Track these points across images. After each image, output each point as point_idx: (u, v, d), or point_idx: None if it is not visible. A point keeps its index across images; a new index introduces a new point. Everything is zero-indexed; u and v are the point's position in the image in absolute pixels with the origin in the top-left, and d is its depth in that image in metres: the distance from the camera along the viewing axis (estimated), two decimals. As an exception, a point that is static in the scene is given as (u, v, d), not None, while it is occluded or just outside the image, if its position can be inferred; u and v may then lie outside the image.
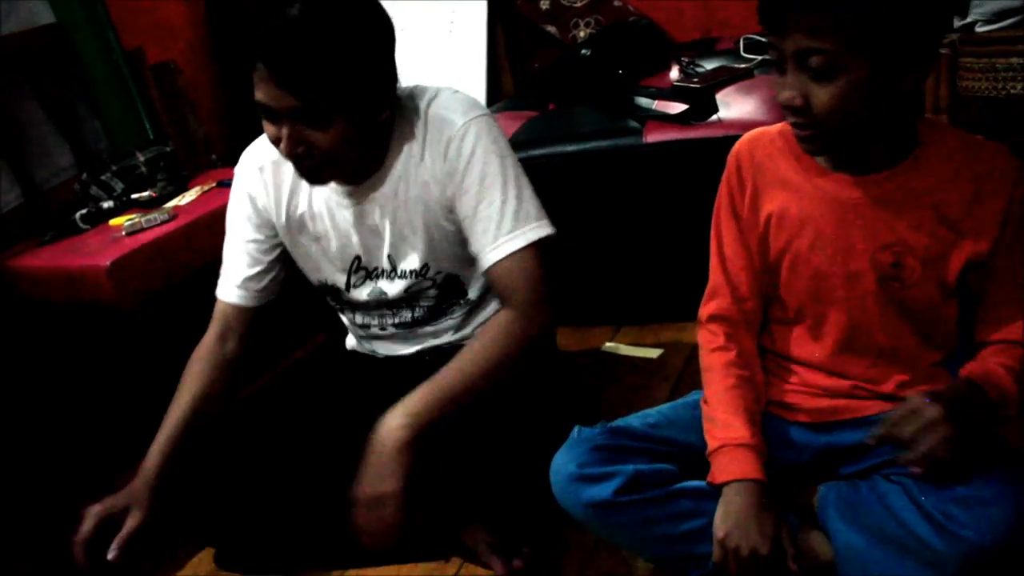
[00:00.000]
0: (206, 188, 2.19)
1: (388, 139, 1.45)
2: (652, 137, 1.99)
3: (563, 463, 1.28)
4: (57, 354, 1.84)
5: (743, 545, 1.17)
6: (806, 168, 1.23)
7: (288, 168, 1.51)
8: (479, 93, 2.69)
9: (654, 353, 2.08)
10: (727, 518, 1.19)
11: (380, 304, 1.61)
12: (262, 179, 1.55)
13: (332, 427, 1.62)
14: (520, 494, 1.52)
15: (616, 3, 2.50)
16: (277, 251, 1.60)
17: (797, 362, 1.32)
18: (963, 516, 1.08)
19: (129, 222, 1.97)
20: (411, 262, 1.54)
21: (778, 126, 1.27)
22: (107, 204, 2.18)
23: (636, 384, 1.98)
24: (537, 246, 1.41)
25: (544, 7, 2.56)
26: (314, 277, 1.63)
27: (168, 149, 2.32)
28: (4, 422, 1.72)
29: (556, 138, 2.10)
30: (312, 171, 1.41)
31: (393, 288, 1.58)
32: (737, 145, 1.31)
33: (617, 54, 2.26)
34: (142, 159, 2.28)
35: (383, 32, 1.38)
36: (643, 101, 2.09)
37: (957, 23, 2.05)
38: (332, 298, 1.66)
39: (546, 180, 2.05)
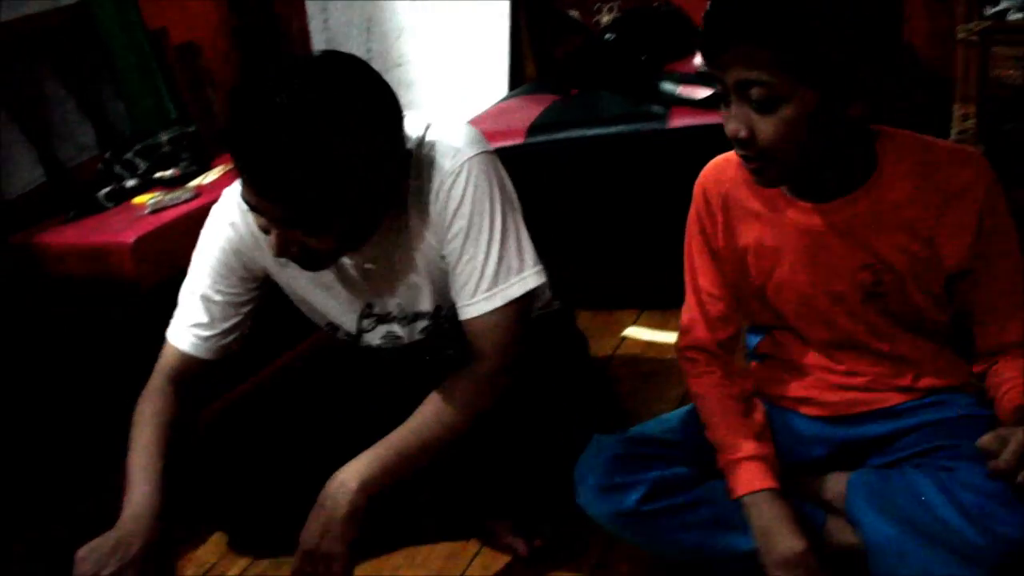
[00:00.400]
0: (229, 167, 2.18)
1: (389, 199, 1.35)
2: (676, 122, 1.98)
3: (585, 475, 1.29)
4: (77, 329, 1.85)
5: (781, 552, 1.17)
6: (771, 198, 1.22)
7: None
8: (501, 78, 2.68)
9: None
10: (758, 534, 1.21)
11: (394, 347, 1.55)
12: (254, 240, 1.41)
13: (342, 412, 1.61)
14: (543, 480, 1.51)
15: (640, -12, 2.49)
16: (252, 305, 1.49)
17: (803, 362, 1.32)
18: (1001, 512, 1.07)
19: (153, 200, 1.98)
20: (422, 306, 1.48)
21: (724, 158, 1.26)
22: (130, 183, 2.19)
23: (657, 371, 1.97)
24: (516, 301, 1.35)
25: (568, -9, 2.55)
26: (320, 321, 1.56)
27: (191, 129, 2.33)
28: (24, 395, 1.72)
29: (579, 122, 2.09)
30: (309, 265, 1.33)
31: (407, 331, 1.52)
32: (701, 177, 1.29)
33: (641, 39, 2.24)
34: (165, 138, 2.29)
35: (385, 115, 1.25)
36: (667, 86, 2.08)
37: (989, 11, 2.02)
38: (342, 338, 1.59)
39: (568, 164, 2.08)
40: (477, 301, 1.35)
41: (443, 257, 1.38)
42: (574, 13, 2.55)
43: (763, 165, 1.11)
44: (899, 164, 1.15)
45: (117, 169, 2.26)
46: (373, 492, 1.30)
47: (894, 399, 1.27)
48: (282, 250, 1.25)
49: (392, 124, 1.27)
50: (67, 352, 1.80)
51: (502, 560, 1.53)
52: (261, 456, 1.62)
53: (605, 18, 2.51)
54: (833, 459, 1.31)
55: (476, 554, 1.56)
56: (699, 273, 1.32)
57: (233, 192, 1.42)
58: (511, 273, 1.35)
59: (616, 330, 2.16)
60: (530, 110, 2.21)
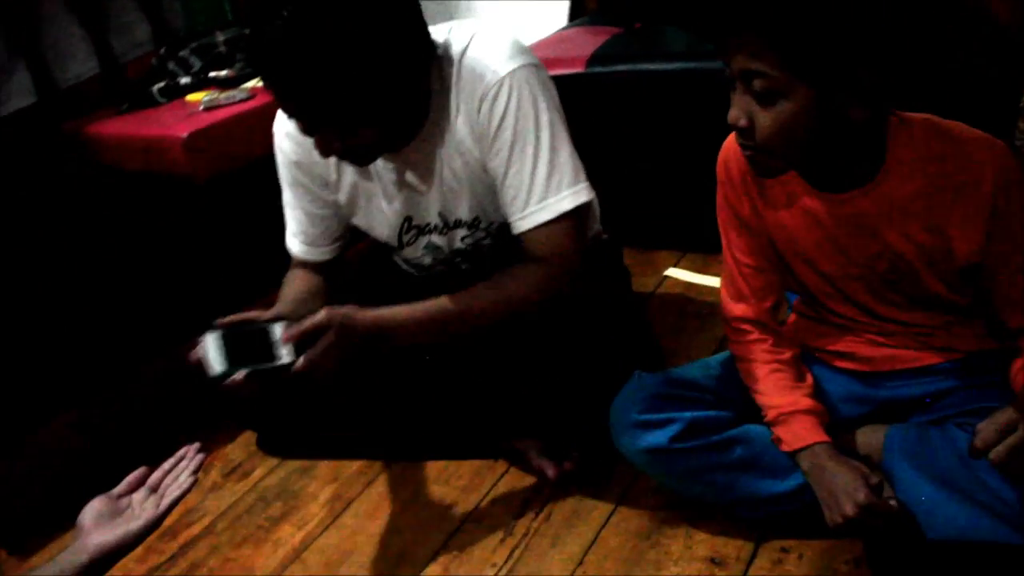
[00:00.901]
0: (284, 72, 2.18)
1: (427, 101, 1.34)
2: (740, 63, 1.94)
3: (622, 409, 1.31)
4: (128, 217, 1.87)
5: (848, 497, 1.16)
6: (787, 183, 1.21)
7: None
8: (562, 6, 2.63)
9: (717, 282, 2.06)
10: (819, 485, 1.20)
11: (435, 260, 1.56)
12: (306, 150, 1.41)
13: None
14: (576, 406, 1.53)
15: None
16: (334, 214, 1.52)
17: (840, 321, 1.31)
18: None
19: (208, 97, 1.97)
20: (462, 215, 1.46)
21: None
22: (184, 80, 2.18)
23: (698, 312, 1.97)
24: (569, 215, 1.33)
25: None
26: (371, 233, 1.57)
27: (247, 31, 2.30)
28: (75, 280, 1.75)
29: (641, 55, 2.05)
30: (356, 161, 1.35)
31: (446, 241, 1.52)
32: (723, 151, 1.28)
33: (711, -24, 2.19)
34: (221, 39, 2.27)
35: (397, 8, 1.21)
36: (734, 26, 2.03)
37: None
38: (388, 251, 1.61)
39: (627, 97, 2.04)
40: (530, 213, 1.33)
41: (486, 169, 1.37)
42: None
43: (759, 156, 1.11)
44: (911, 155, 1.13)
45: (171, 66, 2.25)
46: (387, 332, 1.29)
47: (934, 358, 1.26)
48: (324, 150, 1.26)
49: (405, 16, 1.23)
50: (117, 237, 1.81)
51: (528, 480, 1.55)
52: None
53: (673, -47, 2.45)
54: (872, 418, 1.31)
55: (504, 473, 1.58)
56: (733, 246, 1.32)
57: (284, 129, 1.45)
58: (562, 186, 1.32)
59: (658, 269, 2.15)
60: (591, 40, 2.17)
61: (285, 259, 1.54)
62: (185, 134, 1.83)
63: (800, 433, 1.24)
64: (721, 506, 1.35)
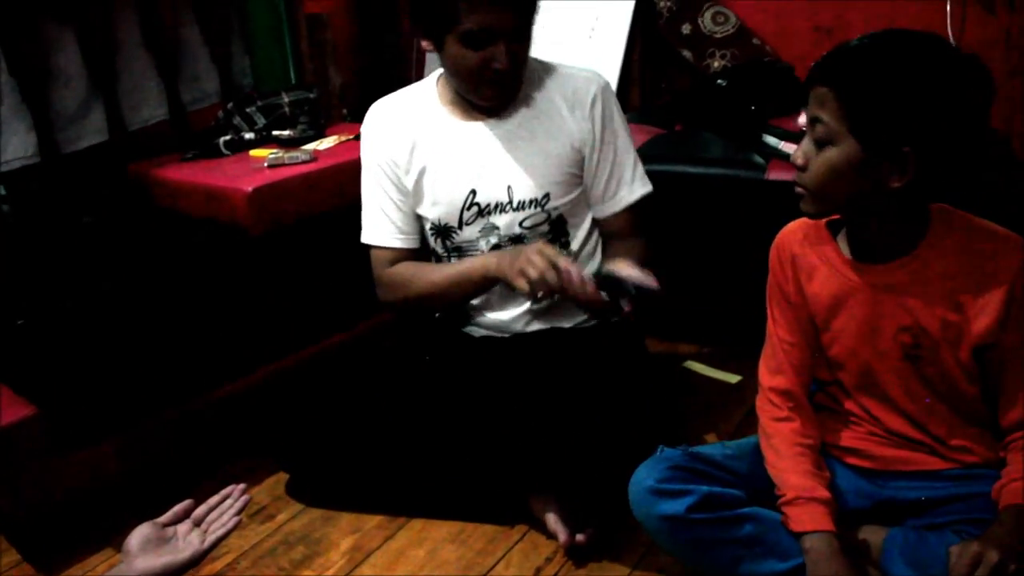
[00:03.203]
0: (343, 138, 2.30)
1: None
2: (774, 175, 2.05)
3: (643, 477, 1.37)
4: (185, 260, 1.96)
5: None
6: (830, 257, 1.35)
7: (412, 117, 1.71)
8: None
9: (734, 378, 2.16)
10: (815, 568, 1.27)
11: (488, 243, 1.72)
12: (387, 131, 1.73)
13: (422, 389, 1.73)
14: (595, 473, 1.61)
15: (755, 41, 2.56)
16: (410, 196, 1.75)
17: (852, 418, 1.41)
18: None
19: (273, 155, 2.09)
20: (531, 191, 1.68)
21: (799, 221, 1.41)
22: (248, 135, 2.30)
23: (711, 403, 2.05)
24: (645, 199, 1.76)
25: (685, 31, 2.63)
26: (431, 215, 1.74)
27: (312, 95, 2.44)
28: (128, 311, 1.83)
29: (681, 158, 2.18)
30: (512, 86, 1.63)
31: (505, 221, 1.70)
32: (778, 236, 1.44)
33: (752, 89, 2.32)
34: (287, 100, 2.40)
35: None
36: (771, 140, 2.16)
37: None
38: (443, 241, 1.76)
39: (664, 196, 2.14)
40: (635, 189, 1.74)
41: (576, 155, 1.69)
42: (687, 54, 2.63)
43: (807, 195, 1.27)
44: (946, 239, 1.27)
45: (236, 120, 2.37)
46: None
47: (938, 464, 1.35)
48: (510, 61, 1.55)
49: None
50: (169, 276, 1.90)
51: (543, 549, 1.61)
52: (336, 409, 1.73)
53: (716, 63, 2.59)
54: (873, 513, 1.38)
55: (519, 540, 1.64)
56: (777, 323, 1.43)
57: (376, 113, 1.78)
58: (644, 175, 1.77)
59: (678, 360, 2.24)
60: (635, 139, 2.29)
61: (326, 312, 1.67)
62: (250, 188, 1.94)
63: (811, 518, 1.30)
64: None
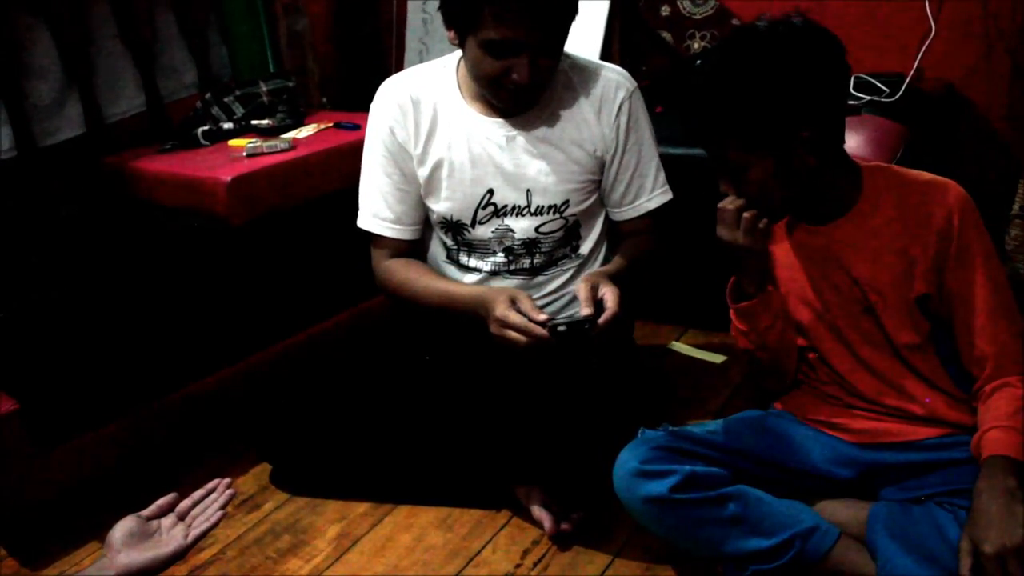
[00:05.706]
0: (323, 126, 2.29)
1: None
2: (754, 154, 2.05)
3: (626, 459, 1.39)
4: (161, 251, 1.94)
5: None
6: (784, 223, 1.44)
7: (429, 104, 1.63)
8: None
9: (718, 359, 2.16)
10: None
11: (501, 245, 1.68)
12: (402, 114, 1.64)
13: (407, 378, 1.72)
14: (580, 462, 1.62)
15: (734, 21, 2.56)
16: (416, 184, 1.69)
17: (830, 392, 1.45)
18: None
19: (251, 145, 2.07)
20: (551, 198, 1.64)
21: None
22: (227, 125, 2.29)
23: (696, 384, 2.06)
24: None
25: (664, 13, 2.63)
26: (442, 209, 1.67)
27: (291, 84, 2.42)
28: (113, 302, 1.82)
29: (662, 139, 2.16)
30: (531, 97, 1.57)
31: (522, 226, 1.65)
32: None
33: (731, 70, 2.32)
34: (265, 89, 2.39)
35: None
36: (750, 119, 2.16)
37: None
38: (453, 235, 1.71)
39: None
40: (655, 195, 1.71)
41: (597, 159, 1.65)
42: (666, 35, 2.62)
43: (757, 213, 1.36)
44: (886, 191, 1.36)
45: (215, 110, 2.36)
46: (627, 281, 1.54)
47: (919, 433, 1.38)
48: (532, 75, 1.48)
49: None
50: (149, 268, 1.89)
51: (529, 533, 1.62)
52: (320, 399, 1.73)
53: (696, 44, 2.59)
54: (859, 482, 1.40)
55: (505, 523, 1.65)
56: None
57: (387, 95, 1.67)
58: (666, 181, 1.74)
59: (661, 341, 2.24)
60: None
61: (308, 301, 1.65)
62: (229, 178, 1.93)
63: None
64: (709, 562, 1.42)
